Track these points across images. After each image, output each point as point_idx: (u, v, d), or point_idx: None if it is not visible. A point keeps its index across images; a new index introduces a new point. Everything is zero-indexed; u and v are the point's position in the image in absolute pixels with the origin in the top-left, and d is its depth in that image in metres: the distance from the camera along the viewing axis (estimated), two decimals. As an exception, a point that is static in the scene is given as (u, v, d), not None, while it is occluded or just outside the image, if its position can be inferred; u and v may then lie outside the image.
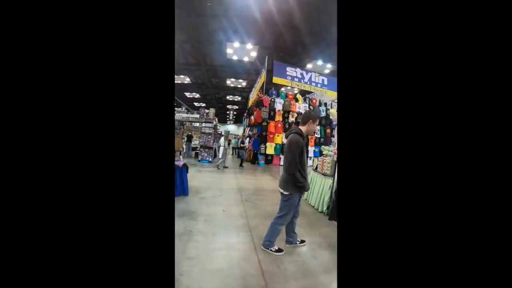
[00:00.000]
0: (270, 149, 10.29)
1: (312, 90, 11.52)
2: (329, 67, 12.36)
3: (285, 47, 10.64)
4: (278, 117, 10.35)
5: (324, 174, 4.20)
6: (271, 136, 10.24)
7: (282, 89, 11.07)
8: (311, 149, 10.92)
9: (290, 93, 11.08)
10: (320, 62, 11.85)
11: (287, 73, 10.97)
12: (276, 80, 10.67)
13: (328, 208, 3.89)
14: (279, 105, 10.42)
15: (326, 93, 11.92)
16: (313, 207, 4.21)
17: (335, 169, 3.99)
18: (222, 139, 8.74)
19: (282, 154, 10.23)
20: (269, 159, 10.37)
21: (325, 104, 12.03)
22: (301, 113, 10.84)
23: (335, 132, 11.84)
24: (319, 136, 11.40)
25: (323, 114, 11.57)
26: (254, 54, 11.26)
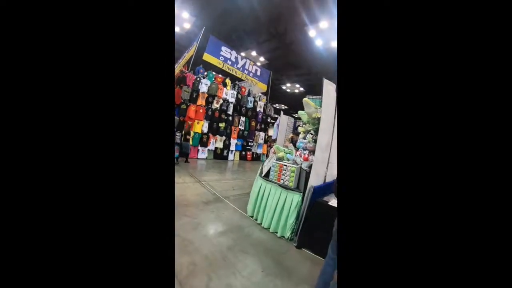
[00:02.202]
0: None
1: (243, 78, 10.44)
2: (261, 60, 11.55)
3: (223, 29, 9.14)
4: (201, 101, 8.84)
5: (285, 187, 3.14)
6: (190, 122, 8.66)
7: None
8: (233, 141, 9.96)
9: (219, 75, 9.66)
10: (254, 53, 10.86)
11: (221, 53, 9.49)
12: (207, 57, 9.04)
13: (292, 232, 2.93)
14: (204, 86, 8.89)
15: (257, 84, 11.08)
16: (268, 229, 3.12)
17: (305, 182, 2.98)
18: None
19: (202, 146, 8.90)
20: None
21: (254, 96, 11.20)
22: (227, 100, 9.66)
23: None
24: (243, 128, 10.53)
25: (250, 105, 10.71)
26: (188, 25, 9.33)
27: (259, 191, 3.55)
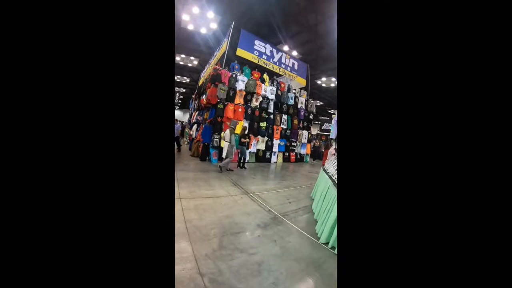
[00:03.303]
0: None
1: (280, 73, 9.38)
2: (294, 55, 10.39)
3: (250, 24, 8.28)
4: (239, 99, 7.96)
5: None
6: (228, 123, 7.71)
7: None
8: (276, 142, 8.93)
9: (256, 71, 8.73)
10: (286, 48, 9.76)
11: (255, 47, 8.57)
12: (241, 53, 8.20)
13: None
14: (241, 83, 7.98)
15: (296, 79, 9.94)
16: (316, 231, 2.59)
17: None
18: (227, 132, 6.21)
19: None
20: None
21: (294, 91, 10.05)
22: (267, 97, 8.67)
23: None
24: (285, 127, 9.45)
25: (291, 101, 9.60)
26: (214, 25, 8.71)
27: (331, 204, 2.61)
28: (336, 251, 2.41)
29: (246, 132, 7.09)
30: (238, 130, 7.63)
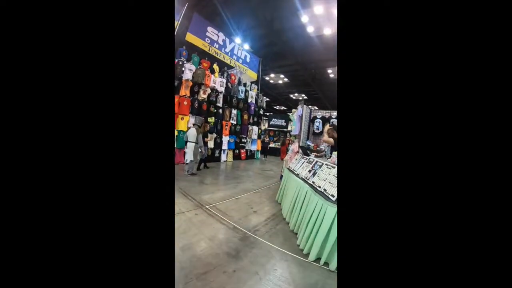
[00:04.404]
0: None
1: (232, 64, 8.58)
2: (246, 48, 9.77)
3: (205, 12, 7.28)
4: (185, 91, 6.82)
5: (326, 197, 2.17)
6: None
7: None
8: (225, 139, 8.10)
9: (205, 60, 7.68)
10: (238, 40, 9.04)
11: (207, 34, 7.53)
12: (191, 38, 7.06)
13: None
14: (188, 73, 6.83)
15: (247, 72, 9.30)
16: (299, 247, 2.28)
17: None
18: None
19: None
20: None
21: (245, 85, 9.39)
22: (216, 89, 7.75)
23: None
24: (235, 123, 8.70)
25: (241, 95, 8.90)
26: None
27: (316, 216, 2.26)
28: (330, 267, 2.03)
29: (208, 130, 6.34)
30: (181, 126, 6.54)
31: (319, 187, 2.49)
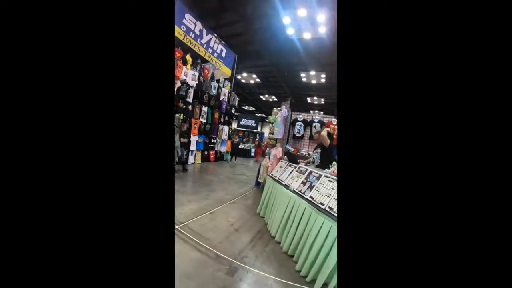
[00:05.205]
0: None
1: (206, 58, 7.80)
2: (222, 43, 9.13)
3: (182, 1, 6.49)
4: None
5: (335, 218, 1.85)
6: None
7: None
8: (193, 138, 7.26)
9: (178, 49, 6.77)
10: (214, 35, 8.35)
11: (184, 21, 6.65)
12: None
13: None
14: (156, 60, 5.96)
15: (221, 68, 8.61)
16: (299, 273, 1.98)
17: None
18: None
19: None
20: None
21: (218, 81, 8.67)
22: (187, 83, 6.93)
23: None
24: (205, 121, 7.92)
25: (213, 92, 8.18)
26: None
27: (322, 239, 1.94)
28: None
29: (185, 129, 5.84)
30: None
31: (322, 204, 2.07)
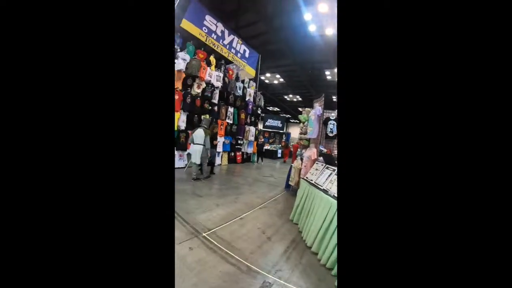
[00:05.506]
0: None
1: (230, 58, 7.71)
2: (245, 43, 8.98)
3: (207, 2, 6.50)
4: (176, 83, 5.88)
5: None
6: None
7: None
8: (220, 140, 7.17)
9: (201, 50, 6.77)
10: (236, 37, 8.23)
11: (205, 23, 6.62)
12: (186, 25, 6.08)
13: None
14: (181, 62, 5.89)
15: (245, 68, 8.46)
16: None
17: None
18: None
19: (179, 149, 5.95)
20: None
21: (243, 81, 8.54)
22: (212, 84, 6.87)
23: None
24: (231, 122, 7.81)
25: (239, 92, 8.06)
26: None
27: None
28: None
29: (215, 131, 5.77)
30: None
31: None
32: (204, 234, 2.37)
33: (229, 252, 2.08)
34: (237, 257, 2.02)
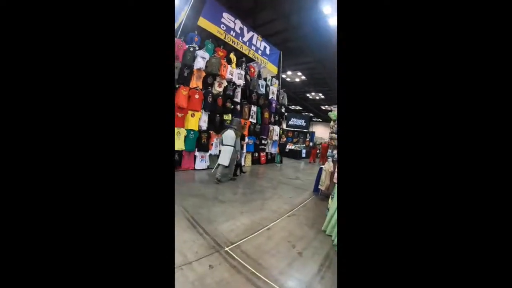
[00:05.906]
0: (176, 141, 5.20)
1: (250, 56, 7.43)
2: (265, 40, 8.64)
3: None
4: (196, 82, 5.68)
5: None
6: (180, 115, 5.35)
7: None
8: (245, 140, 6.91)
9: (221, 48, 6.58)
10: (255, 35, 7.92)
11: (223, 20, 6.41)
12: (203, 23, 5.91)
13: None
14: (201, 61, 5.69)
15: (267, 66, 8.13)
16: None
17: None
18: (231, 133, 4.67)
19: (201, 150, 5.78)
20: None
21: (265, 79, 8.21)
22: (234, 82, 6.63)
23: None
24: (254, 121, 7.52)
25: (262, 90, 7.74)
26: None
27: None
28: None
29: (244, 132, 5.72)
30: (192, 124, 5.49)
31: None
32: (226, 249, 2.08)
33: (255, 272, 1.77)
34: (264, 279, 1.70)
